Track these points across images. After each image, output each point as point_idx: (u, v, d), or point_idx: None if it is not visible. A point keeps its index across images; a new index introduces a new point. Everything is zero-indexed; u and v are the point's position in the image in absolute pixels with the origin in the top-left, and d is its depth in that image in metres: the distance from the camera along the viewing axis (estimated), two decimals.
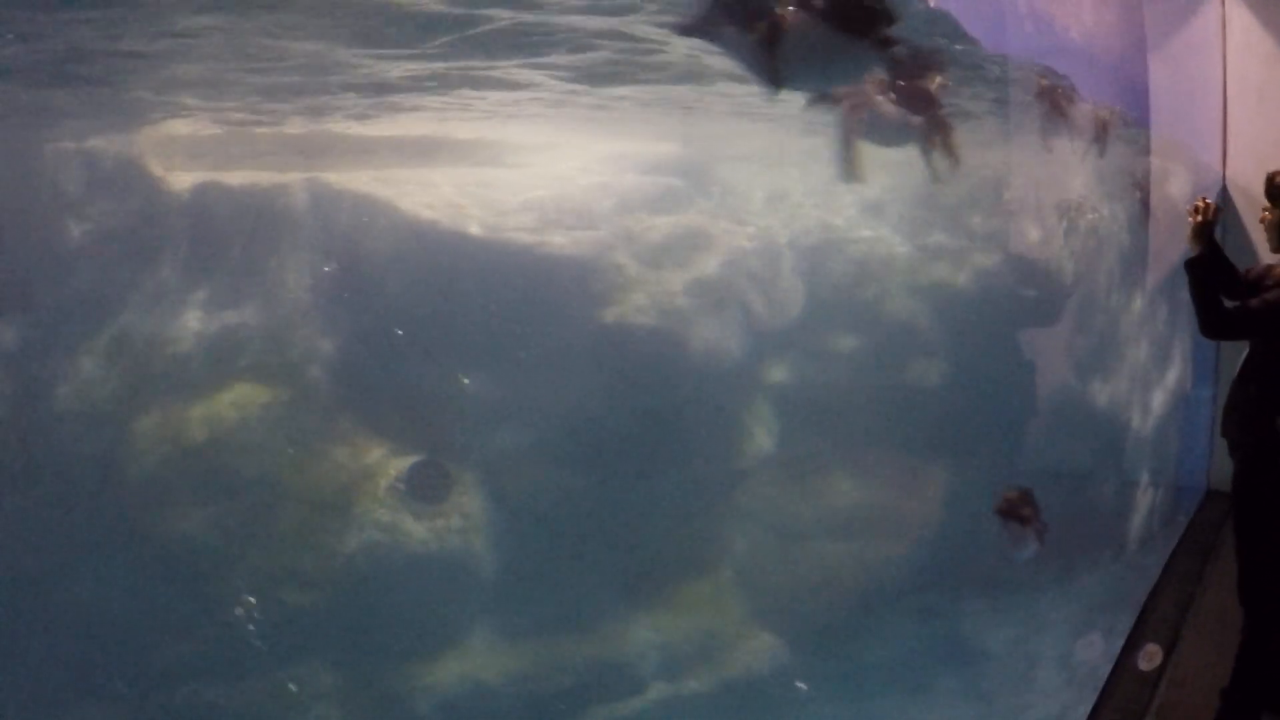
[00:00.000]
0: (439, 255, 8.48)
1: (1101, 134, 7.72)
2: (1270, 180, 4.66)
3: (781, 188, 10.80)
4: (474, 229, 8.57)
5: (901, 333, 10.18)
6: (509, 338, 8.42)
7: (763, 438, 9.52)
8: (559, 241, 8.65)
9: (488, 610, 7.86)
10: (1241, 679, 4.69)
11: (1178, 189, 9.50)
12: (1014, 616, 9.68)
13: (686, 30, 4.98)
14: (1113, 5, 8.03)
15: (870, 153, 5.75)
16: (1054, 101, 7.20)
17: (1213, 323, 4.58)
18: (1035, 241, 10.30)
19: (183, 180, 8.51)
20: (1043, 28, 6.90)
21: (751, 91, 7.11)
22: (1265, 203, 4.79)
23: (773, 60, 4.05)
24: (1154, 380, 10.75)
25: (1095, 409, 10.59)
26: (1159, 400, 10.52)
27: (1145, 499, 10.37)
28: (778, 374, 9.99)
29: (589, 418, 8.43)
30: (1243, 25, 9.19)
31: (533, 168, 9.71)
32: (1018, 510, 6.93)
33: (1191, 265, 4.60)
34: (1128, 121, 8.25)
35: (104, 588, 7.49)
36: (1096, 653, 8.25)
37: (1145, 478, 10.22)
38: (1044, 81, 7.02)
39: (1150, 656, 6.23)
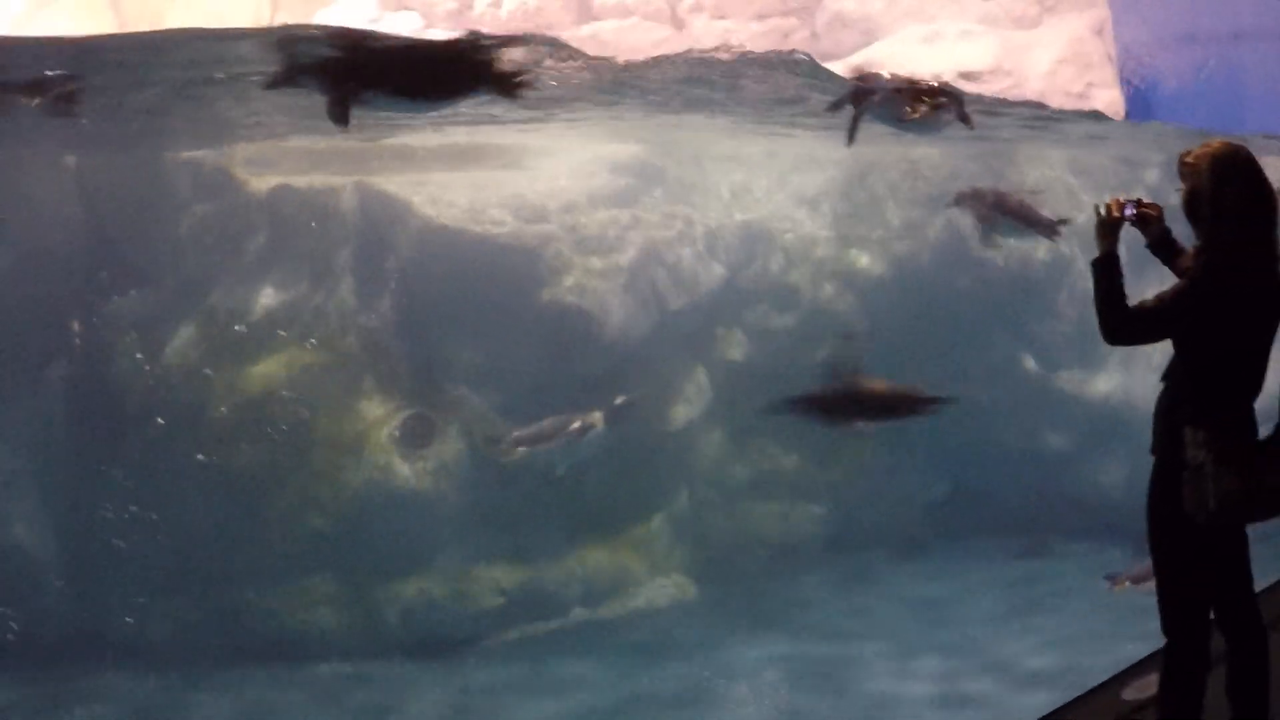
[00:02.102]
0: (438, 246, 10.58)
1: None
2: (1181, 161, 4.47)
3: (744, 183, 12.22)
4: (467, 224, 10.64)
5: (825, 314, 11.54)
6: (485, 315, 10.47)
7: (699, 404, 11.20)
8: (528, 232, 10.58)
9: (449, 540, 10.21)
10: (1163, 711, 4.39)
11: None
12: (930, 583, 11.05)
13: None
14: None
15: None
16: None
17: (1109, 325, 4.22)
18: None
19: (262, 184, 10.93)
20: None
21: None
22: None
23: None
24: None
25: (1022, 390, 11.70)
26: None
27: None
28: (717, 348, 11.61)
29: (544, 381, 10.42)
30: None
31: (537, 170, 11.54)
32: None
33: (1095, 264, 4.30)
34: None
35: (185, 506, 10.21)
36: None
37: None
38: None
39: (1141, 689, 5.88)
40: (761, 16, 16.66)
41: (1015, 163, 12.62)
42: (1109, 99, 14.10)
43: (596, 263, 10.84)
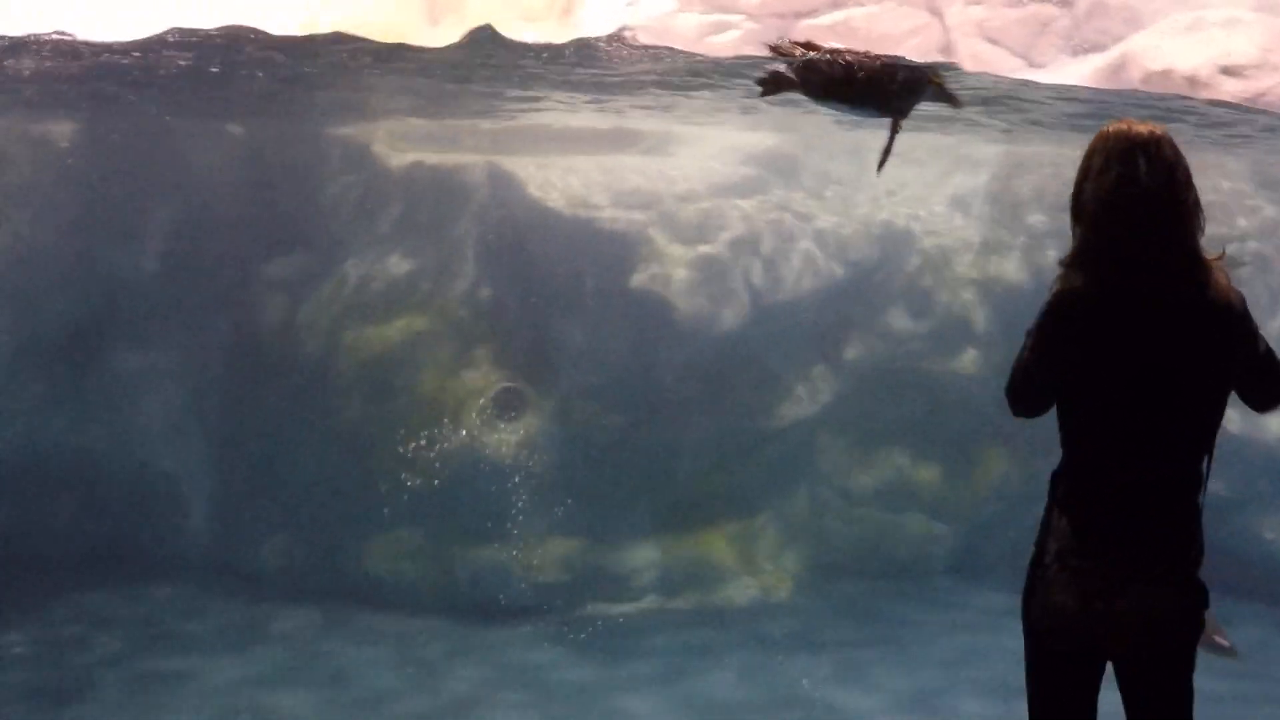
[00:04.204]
0: (545, 227, 10.87)
1: None
2: None
3: (895, 180, 11.66)
4: (573, 208, 10.86)
5: (958, 322, 10.87)
6: (587, 297, 10.68)
7: (815, 404, 10.91)
8: (635, 218, 10.67)
9: (528, 512, 10.45)
10: None
11: None
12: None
13: None
14: None
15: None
16: None
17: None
18: None
19: (399, 160, 11.58)
20: None
21: None
22: None
23: None
24: None
25: None
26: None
27: None
28: (840, 349, 11.21)
29: (639, 366, 10.52)
30: None
31: (674, 156, 11.58)
32: None
33: None
34: None
35: (307, 452, 11.05)
36: None
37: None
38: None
39: None
40: (1018, 2, 15.99)
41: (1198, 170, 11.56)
42: None
43: (700, 251, 10.79)
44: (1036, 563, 3.29)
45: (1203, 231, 3.23)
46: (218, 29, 8.56)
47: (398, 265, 11.31)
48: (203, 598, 10.57)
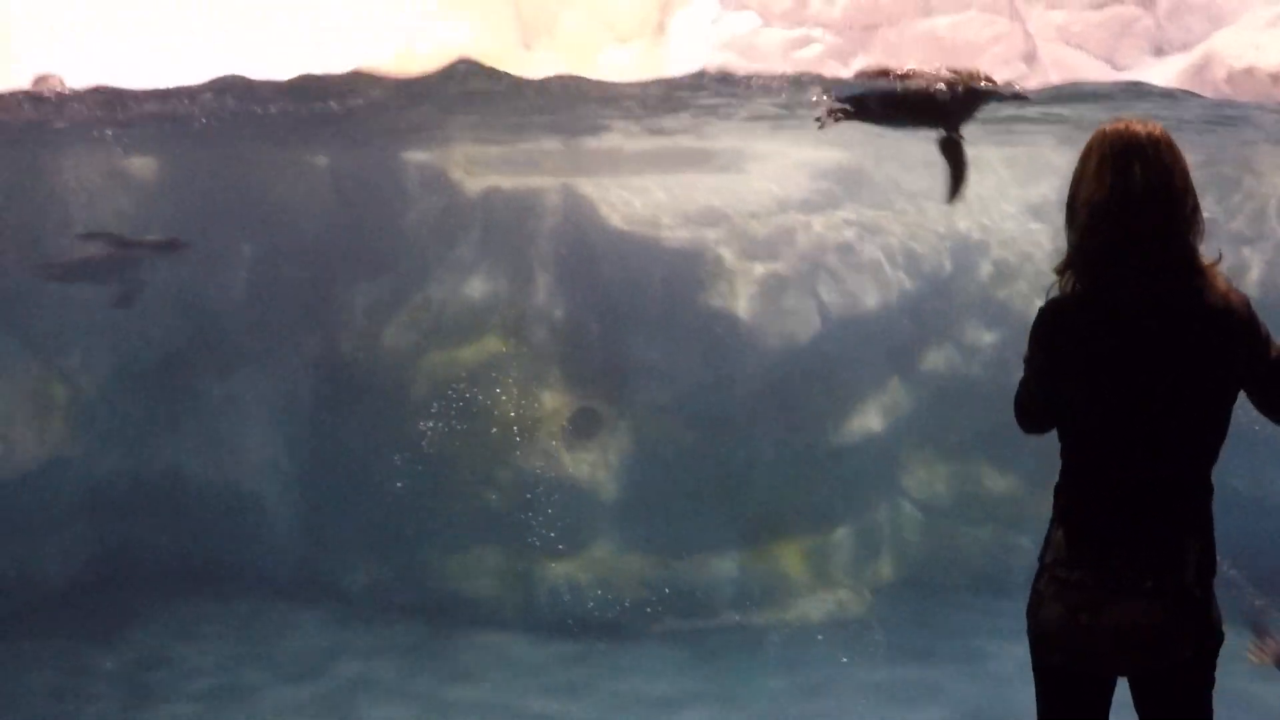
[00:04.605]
0: (617, 248, 11.02)
1: None
2: None
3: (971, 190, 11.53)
4: (645, 228, 11.00)
5: None
6: (659, 317, 10.81)
7: (891, 417, 10.90)
8: (705, 236, 10.78)
9: (604, 530, 10.62)
10: None
11: None
12: None
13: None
14: None
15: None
16: None
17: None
18: None
19: (476, 184, 11.83)
20: None
21: None
22: None
23: None
24: None
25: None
26: None
27: None
28: (916, 361, 11.17)
29: (712, 383, 10.62)
30: None
31: (748, 174, 11.66)
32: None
33: None
34: None
35: (388, 471, 11.29)
36: None
37: None
38: None
39: None
40: (1099, 5, 15.82)
41: (1257, 170, 11.38)
42: None
43: (770, 268, 10.87)
44: (1036, 576, 3.28)
45: (1202, 236, 3.14)
46: (342, 74, 8.78)
47: (476, 288, 11.55)
48: (289, 614, 10.92)
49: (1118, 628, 3.05)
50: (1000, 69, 13.61)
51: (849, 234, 11.17)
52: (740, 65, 12.27)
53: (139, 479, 11.46)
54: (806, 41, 13.88)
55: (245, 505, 11.69)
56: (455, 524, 10.94)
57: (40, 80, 10.36)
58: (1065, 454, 3.27)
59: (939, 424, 11.61)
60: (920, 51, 13.99)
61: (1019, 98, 8.04)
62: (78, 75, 10.41)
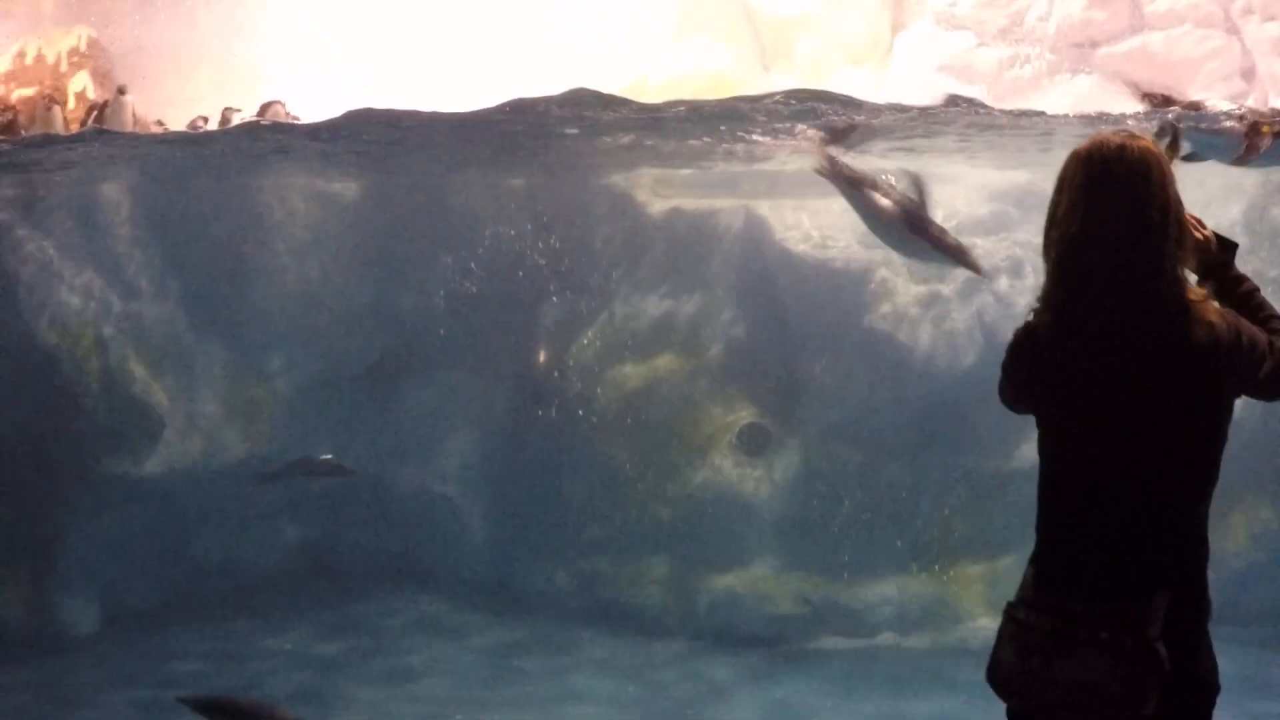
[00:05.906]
0: (795, 267, 11.13)
1: None
2: None
3: None
4: (821, 249, 11.05)
5: None
6: (832, 334, 10.85)
7: None
8: (873, 258, 10.74)
9: (767, 546, 10.72)
10: None
11: None
12: None
13: None
14: None
15: None
16: None
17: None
18: None
19: (660, 205, 12.20)
20: None
21: None
22: None
23: None
24: None
25: None
26: None
27: None
28: None
29: (879, 404, 10.57)
30: None
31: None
32: None
33: None
34: None
35: (572, 484, 11.77)
36: None
37: None
38: None
39: None
40: None
41: None
42: None
43: (937, 289, 10.77)
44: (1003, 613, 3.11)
45: (1189, 264, 2.94)
46: (560, 95, 9.03)
47: (657, 306, 11.92)
48: (470, 612, 11.53)
49: (1068, 679, 2.83)
50: (1217, 85, 13.02)
51: (1018, 255, 10.93)
52: (958, 87, 12.17)
53: (343, 479, 12.30)
54: (1022, 60, 13.62)
55: (438, 508, 12.39)
56: (628, 534, 11.29)
57: (265, 108, 11.42)
58: (1039, 490, 3.17)
59: None
60: (1134, 69, 13.55)
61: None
62: (303, 104, 11.42)
